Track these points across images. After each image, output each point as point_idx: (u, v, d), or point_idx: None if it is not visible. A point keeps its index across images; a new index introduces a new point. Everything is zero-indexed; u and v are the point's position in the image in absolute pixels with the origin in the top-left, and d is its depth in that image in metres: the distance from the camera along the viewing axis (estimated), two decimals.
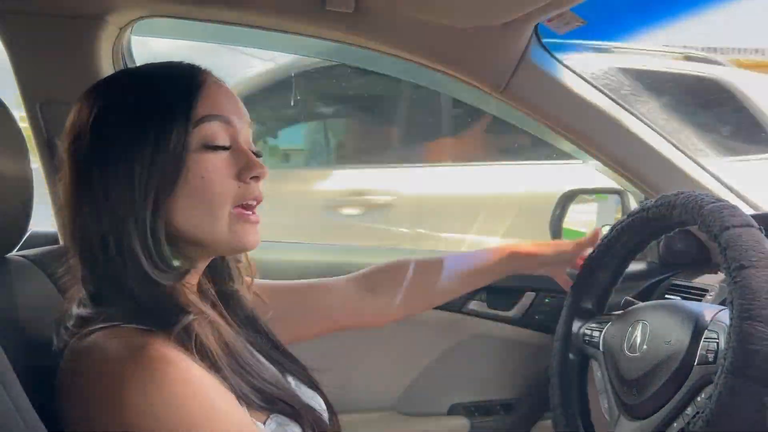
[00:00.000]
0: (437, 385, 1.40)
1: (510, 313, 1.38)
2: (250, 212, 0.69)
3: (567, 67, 1.29)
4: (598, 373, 0.96)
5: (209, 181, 0.65)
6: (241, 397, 0.63)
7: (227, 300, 0.78)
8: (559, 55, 1.32)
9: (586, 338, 0.99)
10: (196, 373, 0.60)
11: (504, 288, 1.36)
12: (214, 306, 0.74)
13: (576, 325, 1.03)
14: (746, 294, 0.69)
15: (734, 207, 0.79)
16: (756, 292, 0.68)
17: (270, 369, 0.73)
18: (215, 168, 0.66)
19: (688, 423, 0.76)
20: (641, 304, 0.97)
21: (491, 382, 1.42)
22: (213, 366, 0.62)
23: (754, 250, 0.72)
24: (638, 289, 1.33)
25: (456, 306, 1.35)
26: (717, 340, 0.76)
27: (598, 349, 0.95)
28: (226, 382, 0.63)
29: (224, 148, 0.67)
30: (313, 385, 0.79)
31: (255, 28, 1.19)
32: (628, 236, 0.99)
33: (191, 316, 0.63)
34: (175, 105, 0.65)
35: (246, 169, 0.68)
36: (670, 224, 0.92)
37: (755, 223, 0.76)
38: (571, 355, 1.02)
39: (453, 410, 1.41)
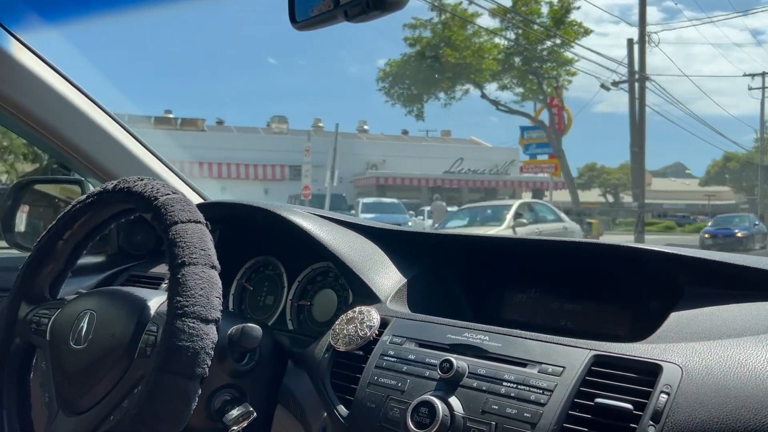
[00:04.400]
0: None
1: None
2: None
3: (22, 42, 1.18)
4: (42, 364, 0.89)
5: None
6: None
7: None
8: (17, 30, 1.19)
9: (34, 326, 0.90)
10: None
11: None
12: None
13: (24, 310, 0.92)
14: (183, 291, 0.70)
15: (186, 201, 0.79)
16: (191, 289, 0.70)
17: None
18: None
19: (121, 419, 0.74)
20: (91, 291, 0.94)
21: None
22: None
23: (196, 247, 0.73)
24: (98, 279, 1.30)
25: None
26: (156, 334, 0.76)
27: (45, 338, 0.88)
28: None
29: None
30: None
31: None
32: (88, 217, 0.91)
33: None
34: None
35: None
36: (128, 210, 0.89)
37: (203, 219, 0.78)
38: (17, 341, 0.92)
39: None
